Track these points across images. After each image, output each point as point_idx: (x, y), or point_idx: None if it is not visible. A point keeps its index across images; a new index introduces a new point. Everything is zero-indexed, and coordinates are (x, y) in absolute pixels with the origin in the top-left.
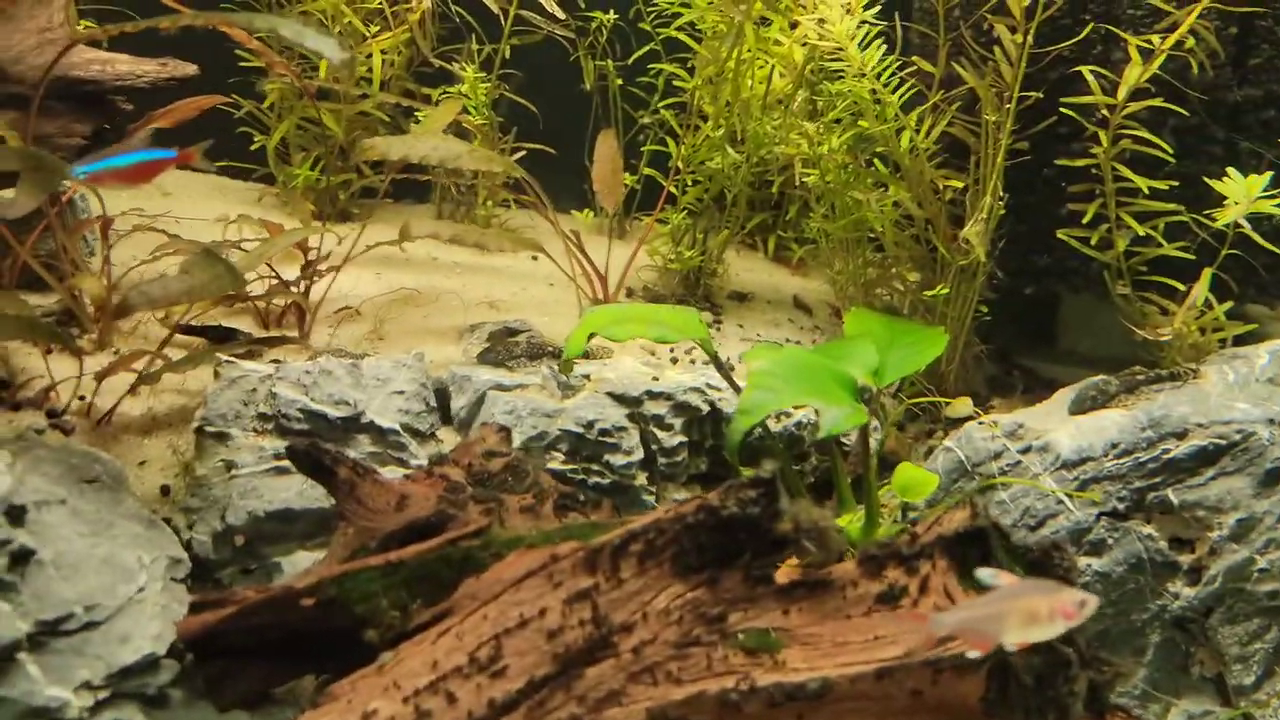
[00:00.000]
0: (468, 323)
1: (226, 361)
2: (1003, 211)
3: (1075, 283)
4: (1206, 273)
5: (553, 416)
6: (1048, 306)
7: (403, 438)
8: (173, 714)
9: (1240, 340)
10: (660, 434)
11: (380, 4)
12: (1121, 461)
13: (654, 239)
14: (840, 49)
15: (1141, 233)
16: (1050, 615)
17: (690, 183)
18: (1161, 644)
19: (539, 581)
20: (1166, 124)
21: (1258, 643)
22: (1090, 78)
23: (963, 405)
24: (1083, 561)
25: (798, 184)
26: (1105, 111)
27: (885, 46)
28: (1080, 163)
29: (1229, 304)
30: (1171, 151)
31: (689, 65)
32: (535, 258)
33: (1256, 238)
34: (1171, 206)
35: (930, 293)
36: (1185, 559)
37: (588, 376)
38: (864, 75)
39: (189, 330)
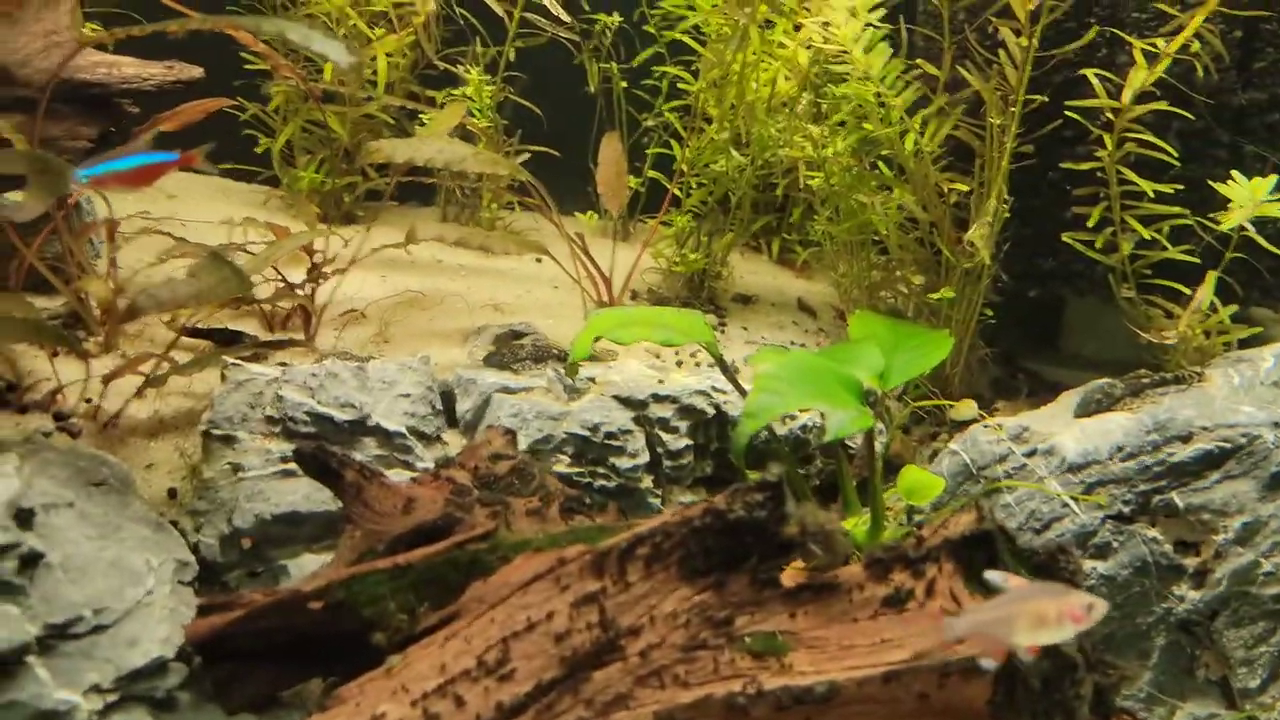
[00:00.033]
0: (473, 325)
1: (233, 364)
2: (1007, 215)
3: (1080, 286)
4: (1211, 276)
5: (558, 419)
6: (1052, 309)
7: (408, 440)
8: (181, 717)
9: (1245, 343)
10: (666, 437)
11: (385, 7)
12: (1127, 465)
13: (658, 241)
14: (845, 52)
15: (1146, 236)
16: (1059, 618)
17: (695, 185)
18: (1167, 647)
19: (546, 585)
20: (1171, 127)
21: (1263, 646)
22: (1095, 81)
23: (967, 408)
24: (1088, 565)
25: (802, 187)
26: (1110, 115)
27: (891, 50)
28: (1085, 166)
29: (1234, 307)
30: (1176, 155)
31: (693, 68)
32: (539, 260)
33: (1261, 241)
34: (1176, 210)
35: (935, 295)
36: (1190, 562)
37: (593, 379)
38: (868, 78)
39: (195, 333)
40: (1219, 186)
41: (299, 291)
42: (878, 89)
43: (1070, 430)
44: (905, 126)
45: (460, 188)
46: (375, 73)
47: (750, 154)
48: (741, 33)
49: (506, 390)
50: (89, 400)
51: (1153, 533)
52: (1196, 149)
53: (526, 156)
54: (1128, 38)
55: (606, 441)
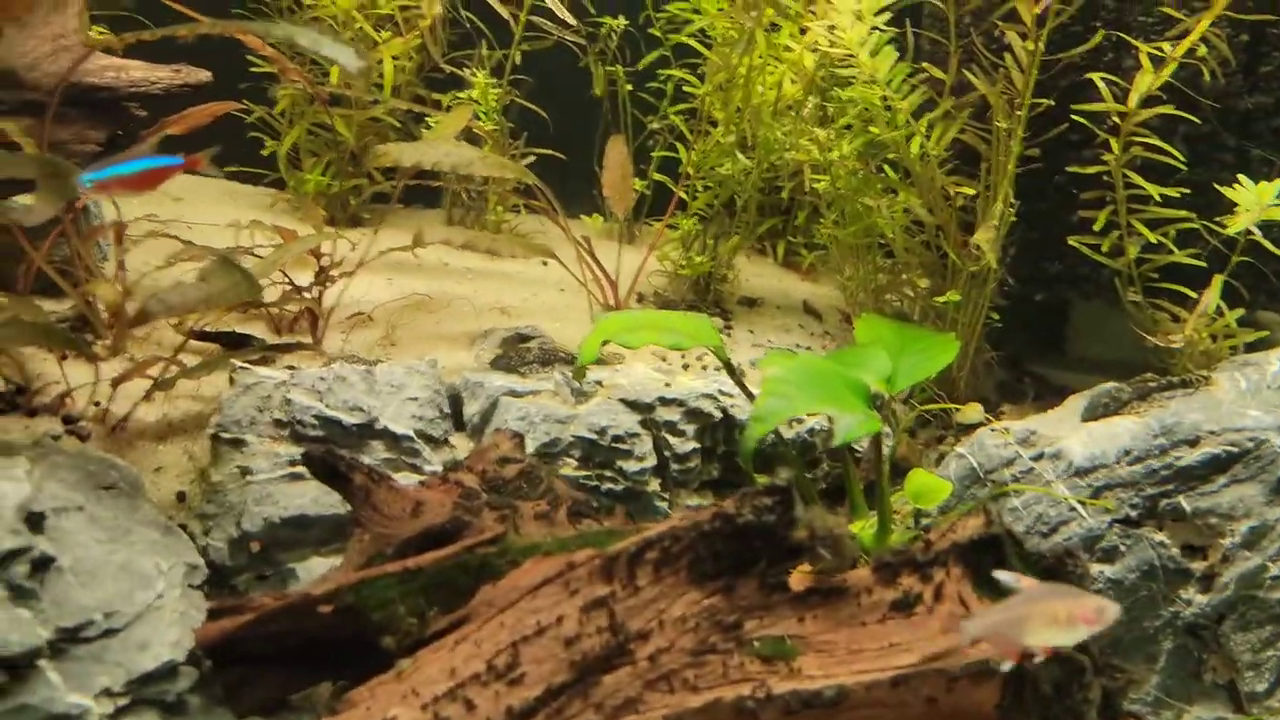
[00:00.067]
0: (479, 328)
1: (242, 368)
2: (1014, 218)
3: (1086, 289)
4: (1218, 280)
5: (565, 423)
6: (1058, 313)
7: (416, 444)
8: None
9: (1251, 347)
10: (673, 440)
11: (391, 10)
12: (1134, 469)
13: (664, 244)
14: (851, 55)
15: (1153, 240)
16: (1071, 620)
17: (701, 188)
18: (1174, 651)
19: (556, 589)
20: (1178, 131)
21: (1270, 649)
22: (1101, 85)
23: (973, 411)
24: (1095, 568)
25: (807, 190)
26: (1116, 119)
27: (897, 54)
28: (1091, 170)
29: (1240, 311)
30: (1183, 159)
31: (699, 71)
32: (545, 263)
33: (1268, 245)
34: (1183, 213)
35: (941, 299)
36: (1197, 566)
37: (600, 383)
38: (874, 82)
39: (203, 336)
40: (1225, 190)
41: (306, 295)
42: (884, 92)
43: (1077, 434)
44: (911, 130)
45: (466, 190)
46: (381, 76)
47: (756, 157)
48: (748, 36)
49: (514, 394)
50: (97, 403)
51: (1160, 536)
52: (1203, 153)
53: (532, 159)
54: (1134, 42)
55: (614, 445)
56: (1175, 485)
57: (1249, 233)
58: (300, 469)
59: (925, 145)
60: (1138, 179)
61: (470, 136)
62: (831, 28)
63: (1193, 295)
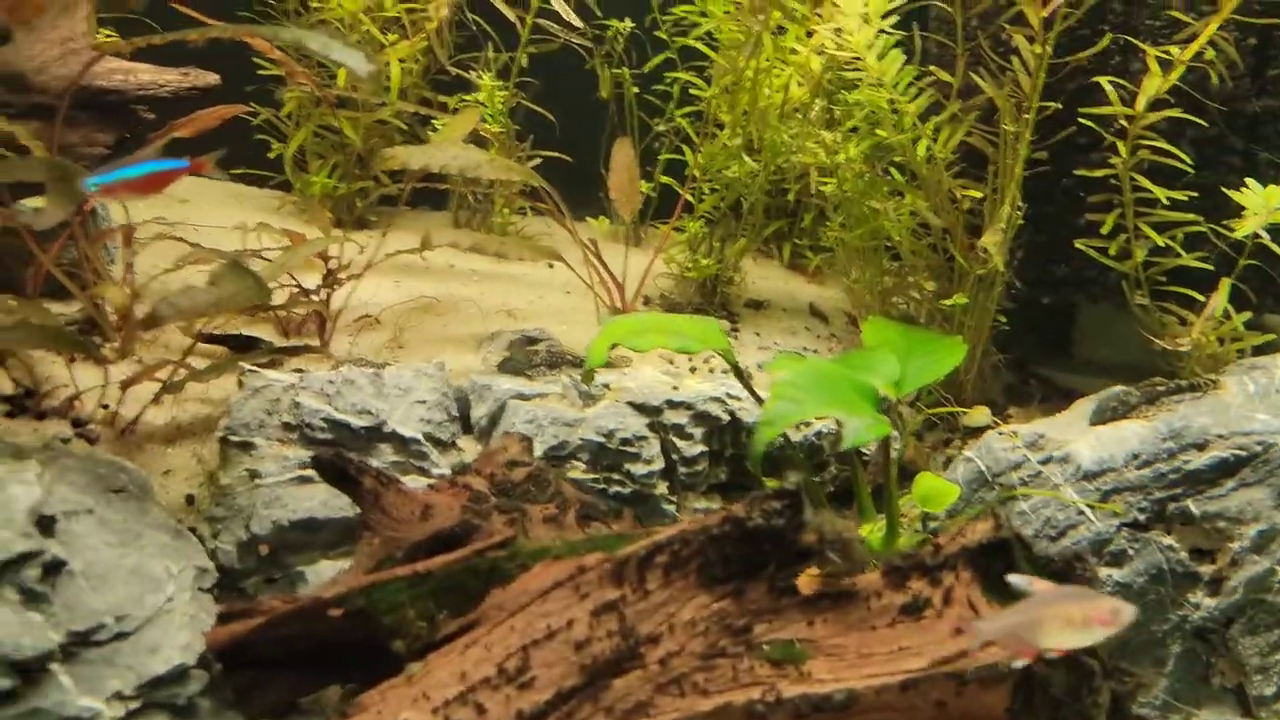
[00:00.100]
0: (486, 331)
1: (250, 371)
2: (1021, 221)
3: (1093, 292)
4: (1225, 283)
5: (573, 426)
6: (1065, 316)
7: (424, 447)
8: None
9: (1259, 350)
10: (680, 443)
11: (398, 12)
12: (1142, 472)
13: (670, 247)
14: (858, 58)
15: (1160, 243)
16: (1085, 622)
17: (707, 191)
18: (1182, 654)
19: (566, 593)
20: (1185, 134)
21: (1278, 653)
22: (1109, 88)
23: (980, 414)
24: (1104, 572)
25: (814, 192)
26: (1124, 122)
27: (904, 57)
28: (1099, 173)
29: (1247, 314)
30: (1190, 162)
31: (705, 74)
32: (551, 265)
33: (1275, 248)
34: (1190, 217)
35: (948, 301)
36: (1206, 570)
37: (607, 386)
38: (881, 85)
39: (211, 339)
40: (1233, 194)
41: (314, 297)
42: (891, 95)
43: (1086, 438)
44: (918, 133)
45: (472, 193)
46: (388, 79)
47: (763, 160)
48: (755, 39)
49: (521, 397)
50: (106, 406)
51: (1168, 540)
52: (1210, 156)
53: (538, 161)
54: (1141, 45)
55: (622, 448)
56: (1183, 489)
57: (1256, 236)
58: (309, 472)
59: (932, 148)
60: (1145, 182)
61: (477, 139)
62: (838, 30)
63: (1200, 298)
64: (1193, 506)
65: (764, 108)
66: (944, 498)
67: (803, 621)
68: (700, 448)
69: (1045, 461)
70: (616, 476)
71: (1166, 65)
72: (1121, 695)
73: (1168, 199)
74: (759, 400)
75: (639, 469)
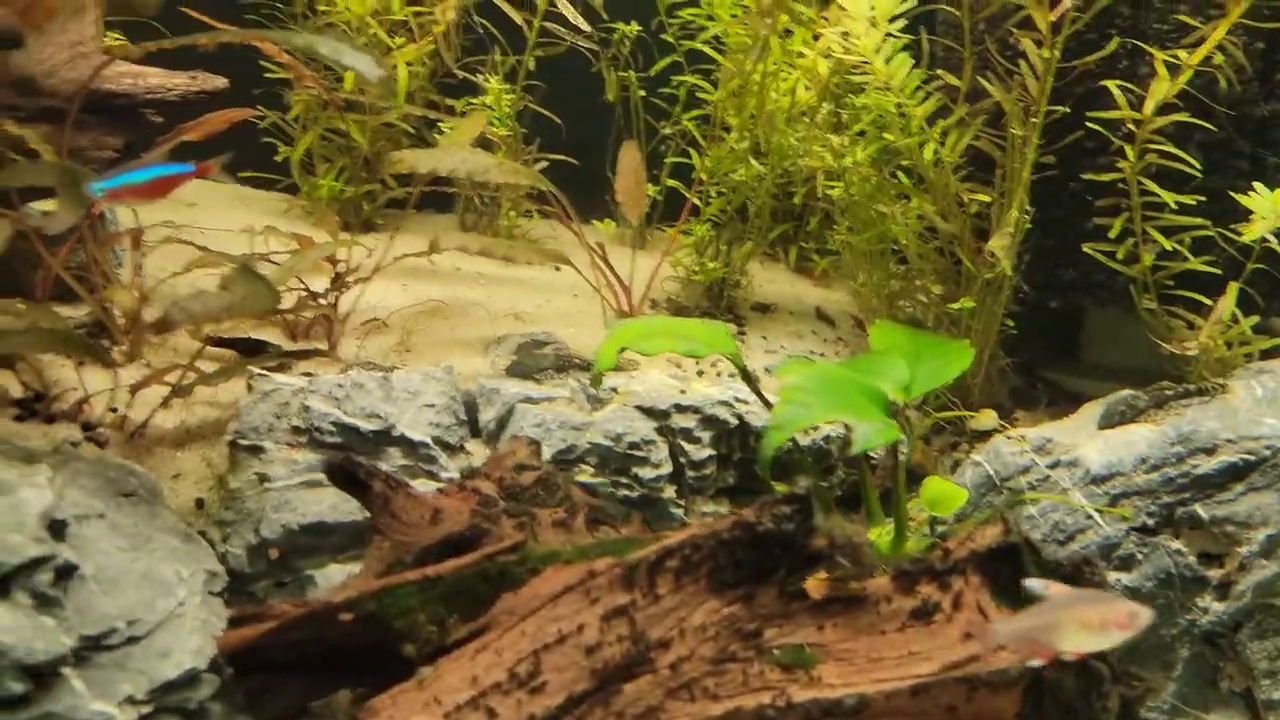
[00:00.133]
0: (494, 334)
1: (259, 375)
2: (1029, 225)
3: (1101, 296)
4: (1233, 287)
5: (581, 429)
6: (1072, 319)
7: (433, 450)
8: None
9: (1266, 355)
10: (688, 447)
11: (405, 15)
12: (1150, 477)
13: (677, 250)
14: (866, 62)
15: (1168, 247)
16: (1103, 625)
17: (714, 194)
18: (1190, 659)
19: (576, 597)
20: (1193, 139)
21: None
22: (1117, 92)
23: (987, 418)
24: (1112, 577)
25: (820, 196)
26: (1131, 126)
27: (913, 61)
28: (1106, 177)
29: (1255, 318)
30: (1198, 166)
31: (712, 77)
32: (558, 268)
33: None
34: (1198, 221)
35: (956, 305)
36: (1214, 574)
37: (615, 389)
38: (889, 89)
39: (219, 342)
40: (1241, 198)
41: (322, 301)
42: (898, 99)
43: (1094, 442)
44: (925, 137)
45: (479, 196)
46: (395, 82)
47: (769, 163)
48: (762, 43)
49: (529, 400)
50: (115, 409)
51: (1177, 545)
52: (1218, 160)
53: (544, 165)
54: (1149, 49)
55: (630, 452)
56: (1192, 493)
57: (1264, 240)
58: (317, 476)
59: (939, 152)
60: (1153, 186)
61: (484, 142)
62: (845, 34)
63: (1208, 302)
64: (1201, 511)
65: (771, 111)
66: (952, 502)
67: (813, 626)
68: (708, 451)
69: (1053, 466)
70: (624, 480)
71: (1174, 69)
72: (1130, 700)
73: (1175, 203)
74: (767, 404)
75: (647, 473)
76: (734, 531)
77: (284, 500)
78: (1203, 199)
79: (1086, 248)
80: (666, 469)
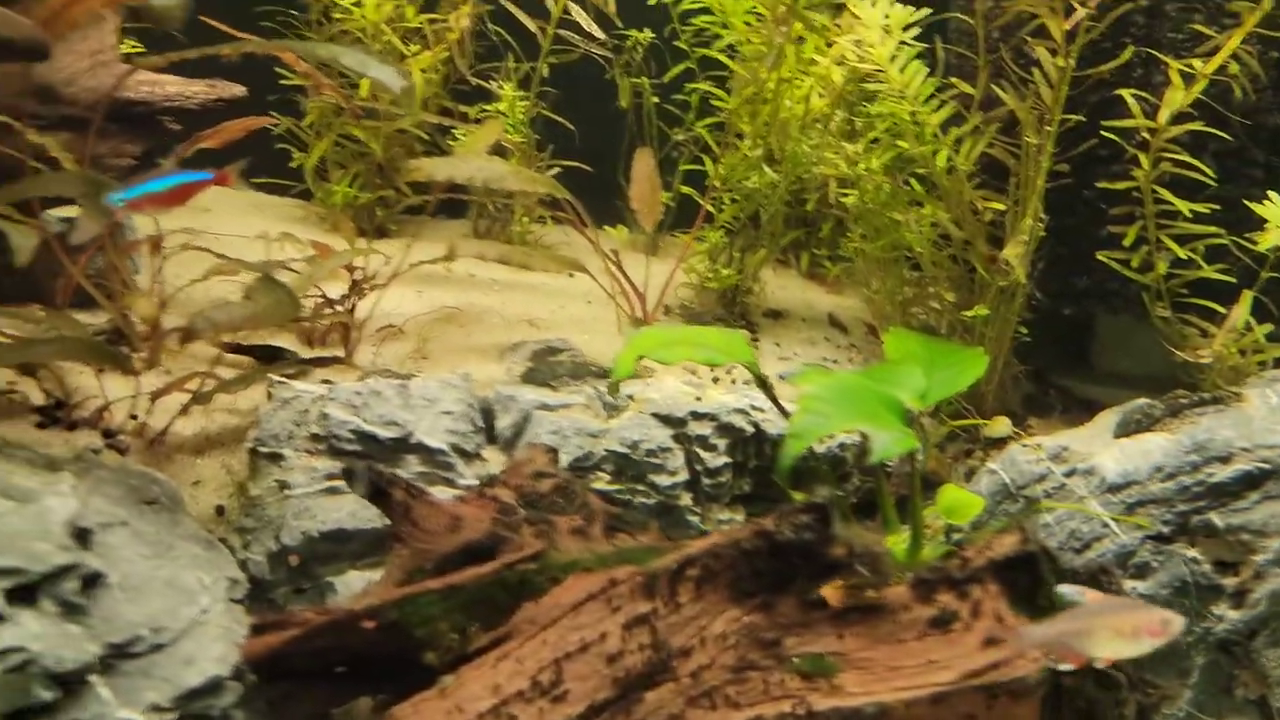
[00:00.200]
0: (509, 341)
1: (279, 382)
2: (1043, 233)
3: (1115, 304)
4: (1247, 295)
5: (598, 437)
6: (1085, 327)
7: (450, 458)
8: None
9: None
10: (704, 455)
11: (420, 23)
12: (1166, 485)
13: (690, 257)
14: (880, 70)
15: (1182, 255)
16: (1135, 632)
17: (728, 201)
18: (1206, 666)
19: (598, 606)
20: (1207, 147)
21: None
22: (1131, 101)
23: (1001, 425)
24: (1128, 585)
25: (833, 203)
26: (1146, 135)
27: (927, 69)
28: (1121, 185)
29: (1269, 327)
30: (1212, 175)
31: (726, 85)
32: (571, 275)
33: None
34: (1212, 229)
35: (969, 313)
36: (1229, 582)
37: (631, 396)
38: (903, 96)
39: (238, 349)
40: (1255, 206)
41: (339, 308)
42: (912, 107)
43: (1109, 450)
44: (939, 145)
45: (492, 202)
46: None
47: (783, 171)
48: (777, 51)
49: (546, 407)
50: (135, 417)
51: (1192, 553)
52: (1232, 169)
53: (557, 171)
54: (1164, 58)
55: (646, 459)
56: (1207, 502)
57: (1278, 248)
58: (337, 483)
59: (953, 159)
60: (1167, 195)
61: (497, 149)
62: (858, 42)
63: (1222, 311)
64: (1216, 519)
65: (785, 119)
66: (968, 510)
67: (832, 634)
68: (724, 459)
69: (1069, 474)
70: (641, 487)
71: (1189, 78)
72: (1147, 707)
73: (1190, 211)
74: (783, 411)
75: (663, 480)
76: (754, 540)
77: (304, 507)
78: (1217, 207)
79: (1101, 255)
80: (683, 476)
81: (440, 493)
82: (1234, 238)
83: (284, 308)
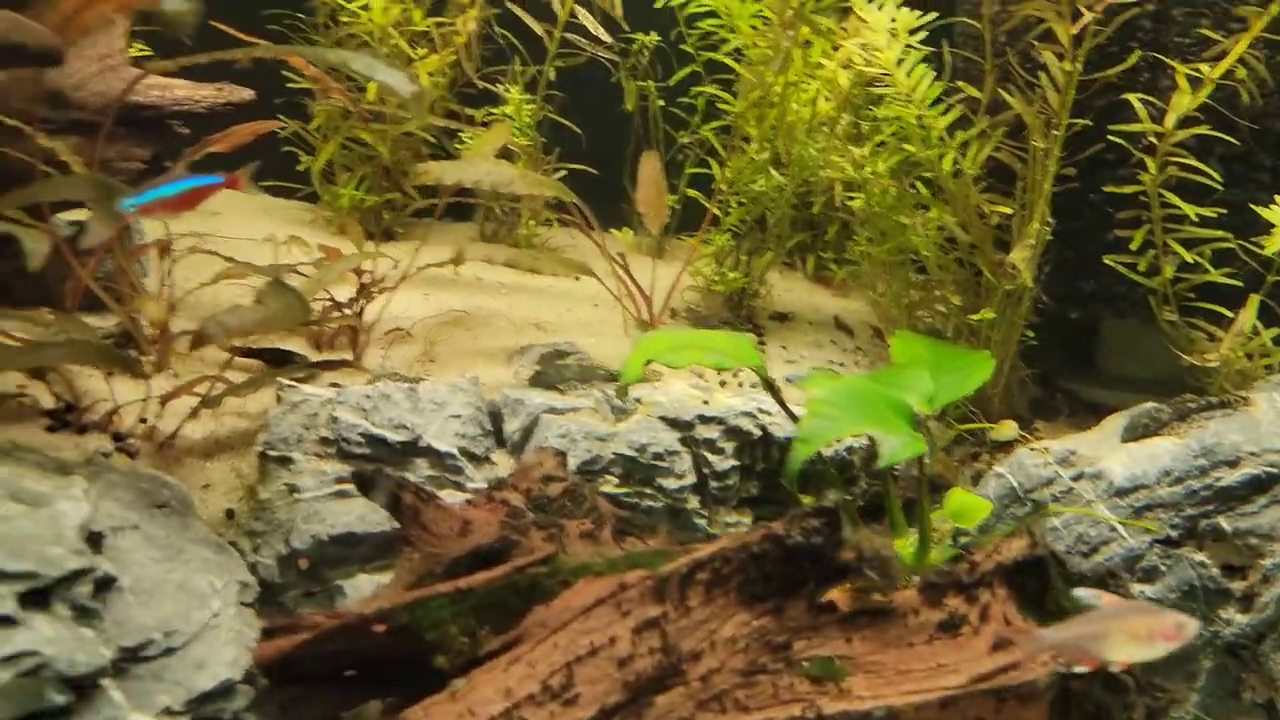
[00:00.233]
0: (516, 344)
1: (288, 386)
2: (1050, 237)
3: (1121, 308)
4: (1254, 299)
5: (606, 440)
6: (1090, 330)
7: (459, 461)
8: None
9: None
10: (712, 458)
11: (427, 26)
12: (1174, 489)
13: (697, 259)
14: (887, 74)
15: (1189, 259)
16: (1150, 636)
17: (734, 204)
18: (1214, 670)
19: (608, 610)
20: (1214, 151)
21: None
22: (1138, 105)
23: (1008, 429)
24: (1136, 588)
25: (839, 206)
26: (1153, 139)
27: (934, 73)
28: (1127, 189)
29: (1275, 330)
30: (1219, 179)
31: (733, 89)
32: (577, 277)
33: None
34: (1219, 233)
35: (976, 316)
36: (1237, 586)
37: (639, 400)
38: (910, 100)
39: (247, 352)
40: (1261, 210)
41: (348, 311)
42: (919, 111)
43: (1117, 454)
44: (945, 148)
45: (499, 205)
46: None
47: (789, 174)
48: (784, 55)
49: (554, 411)
50: (144, 420)
51: (1200, 557)
52: (1239, 173)
53: (563, 174)
54: (1171, 62)
55: (654, 462)
56: (1215, 506)
57: None
58: (347, 486)
59: (960, 163)
60: (1174, 199)
61: (503, 152)
62: (864, 45)
63: (1228, 314)
64: (1224, 523)
65: (791, 122)
66: (976, 513)
67: (841, 638)
68: (731, 462)
69: (1077, 478)
70: (649, 491)
71: (1196, 83)
72: (1155, 710)
73: (1196, 215)
74: (790, 415)
75: (671, 483)
76: (764, 544)
77: (313, 511)
78: (1223, 212)
79: (1107, 259)
80: (690, 480)
81: (449, 496)
82: (1241, 242)
83: (295, 312)
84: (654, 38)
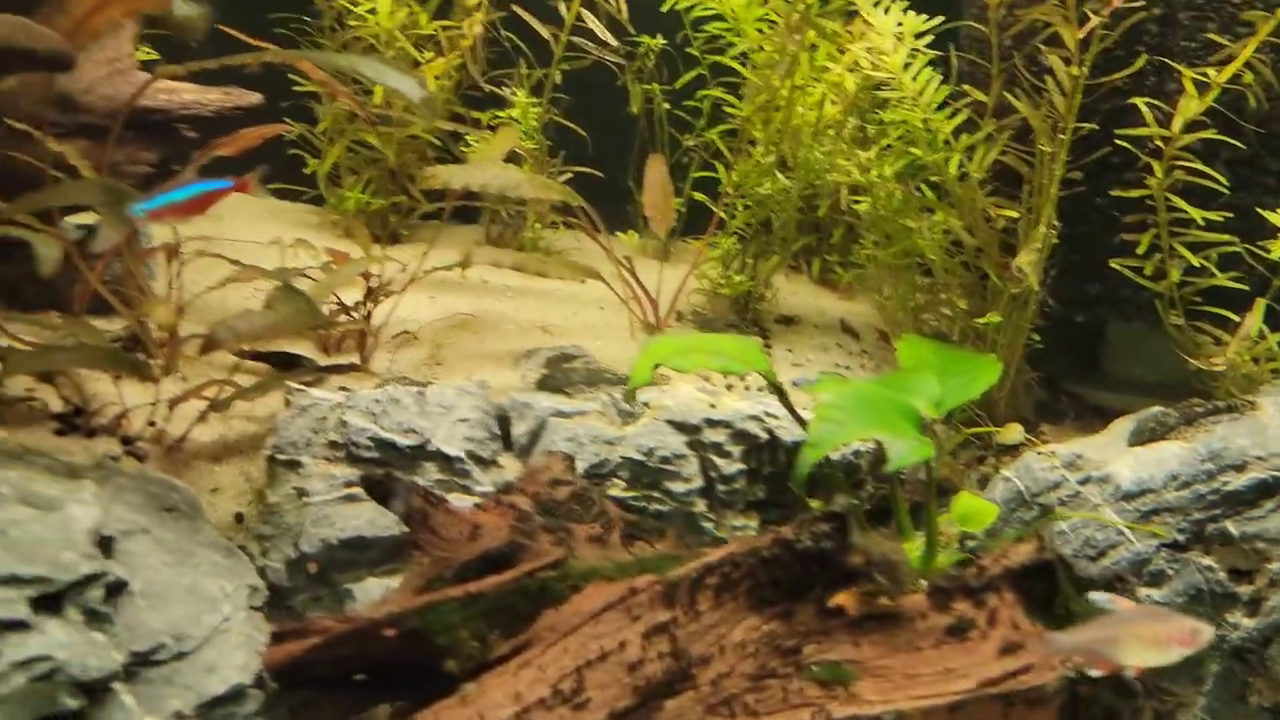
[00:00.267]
0: (523, 347)
1: (297, 389)
2: (1056, 241)
3: (1127, 311)
4: (1260, 303)
5: (613, 444)
6: (1096, 334)
7: (467, 465)
8: None
9: None
10: (719, 461)
11: (433, 29)
12: (1181, 493)
13: (702, 263)
14: (893, 77)
15: (1195, 263)
16: (1165, 641)
17: (740, 208)
18: (1220, 674)
19: (618, 614)
20: (1220, 155)
21: None
22: (1144, 109)
23: (1014, 432)
24: (1143, 592)
25: (844, 209)
26: (1159, 143)
27: (940, 77)
28: (1134, 193)
29: None
30: (1225, 183)
31: (740, 93)
32: (583, 280)
33: None
34: (1225, 237)
35: (982, 320)
36: (1244, 590)
37: (646, 404)
38: (916, 104)
39: (255, 356)
40: (1268, 215)
41: (355, 314)
42: (925, 114)
43: (1124, 458)
44: (951, 152)
45: (505, 208)
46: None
47: (795, 177)
48: (790, 59)
49: (561, 414)
50: (153, 424)
51: (1207, 561)
52: (1245, 177)
53: (569, 177)
54: (1177, 66)
55: (661, 466)
56: (1222, 510)
57: None
58: (356, 490)
59: (966, 167)
60: (1180, 202)
61: (510, 155)
62: (869, 49)
63: (1235, 318)
64: (1231, 527)
65: (797, 126)
66: (983, 517)
67: (850, 643)
68: (739, 466)
69: (1084, 482)
70: (656, 494)
71: (1202, 87)
72: (1162, 714)
73: (1203, 219)
74: (798, 418)
75: (678, 487)
76: (773, 549)
77: (322, 515)
78: (1230, 215)
79: (1114, 263)
80: (697, 483)
81: (457, 500)
82: (1247, 245)
83: (305, 317)
84: (660, 41)
